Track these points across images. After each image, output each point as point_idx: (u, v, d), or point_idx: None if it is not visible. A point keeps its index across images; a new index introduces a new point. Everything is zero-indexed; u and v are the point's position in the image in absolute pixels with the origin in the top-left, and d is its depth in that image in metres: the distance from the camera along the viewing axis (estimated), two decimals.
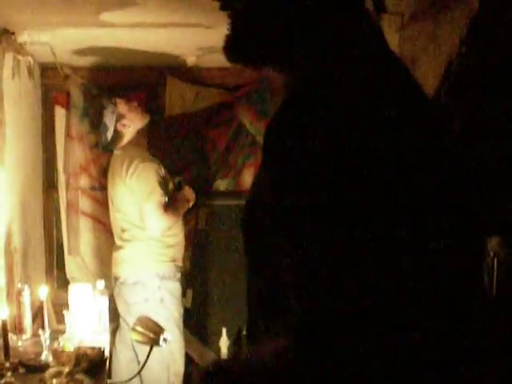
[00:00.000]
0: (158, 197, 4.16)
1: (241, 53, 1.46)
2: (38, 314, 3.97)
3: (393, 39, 3.45)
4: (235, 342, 4.95)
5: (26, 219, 4.41)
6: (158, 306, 4.20)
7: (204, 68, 5.10)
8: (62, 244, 5.29)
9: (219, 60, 4.75)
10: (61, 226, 5.27)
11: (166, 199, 4.20)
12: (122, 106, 4.54)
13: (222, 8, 1.46)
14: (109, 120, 4.88)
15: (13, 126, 4.08)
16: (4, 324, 3.05)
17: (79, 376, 2.84)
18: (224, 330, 4.73)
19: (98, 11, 3.59)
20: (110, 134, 4.94)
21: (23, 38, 4.02)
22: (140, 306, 4.15)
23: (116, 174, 4.31)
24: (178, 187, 4.42)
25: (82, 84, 5.08)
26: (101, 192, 5.15)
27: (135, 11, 3.59)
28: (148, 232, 4.20)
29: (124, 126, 4.45)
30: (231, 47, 1.46)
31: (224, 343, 4.72)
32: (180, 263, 4.38)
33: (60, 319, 3.63)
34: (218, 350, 4.80)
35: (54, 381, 2.80)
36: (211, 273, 5.20)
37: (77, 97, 5.09)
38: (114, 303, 4.25)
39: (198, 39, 4.24)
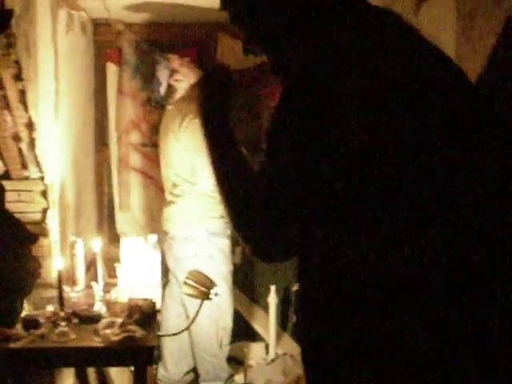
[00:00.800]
0: None
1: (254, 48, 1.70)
2: (90, 266, 4.04)
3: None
4: (283, 299, 4.98)
5: (78, 174, 4.47)
6: (207, 262, 4.21)
7: None
8: (113, 200, 5.36)
9: None
10: (111, 183, 5.33)
11: None
12: (174, 61, 4.53)
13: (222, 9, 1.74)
14: (162, 75, 4.91)
15: (66, 81, 4.12)
16: (59, 274, 3.10)
17: (132, 327, 2.87)
18: (273, 288, 4.75)
19: None
20: (162, 89, 4.97)
21: None
22: (189, 261, 4.18)
23: (169, 129, 4.32)
24: None
25: (134, 40, 5.09)
26: (151, 148, 5.19)
27: None
28: (199, 187, 4.21)
29: (177, 80, 4.44)
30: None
31: (272, 300, 4.75)
32: None
33: (111, 273, 3.68)
34: (266, 306, 4.83)
35: (108, 331, 2.84)
36: None
37: (129, 53, 5.10)
38: (164, 258, 4.30)
39: None
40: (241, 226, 1.58)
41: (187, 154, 4.20)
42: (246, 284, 5.09)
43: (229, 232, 4.37)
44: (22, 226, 2.35)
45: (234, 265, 4.56)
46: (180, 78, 4.41)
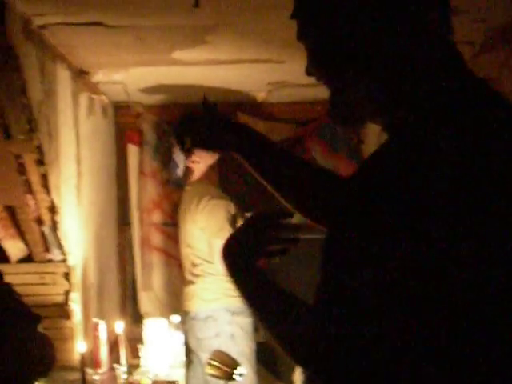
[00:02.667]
0: (228, 234, 4.14)
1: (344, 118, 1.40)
2: (113, 348, 4.02)
3: None
4: (309, 377, 4.91)
5: (100, 255, 4.49)
6: (228, 342, 4.17)
7: (274, 103, 5.14)
8: (135, 279, 5.36)
9: (289, 95, 4.86)
10: (134, 262, 5.34)
11: None
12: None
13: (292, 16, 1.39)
14: (178, 157, 4.95)
15: (88, 163, 4.17)
16: (82, 358, 3.09)
17: None
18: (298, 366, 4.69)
19: (170, 50, 3.67)
20: (180, 171, 5.01)
21: (98, 77, 4.12)
22: (211, 341, 4.14)
23: (186, 210, 4.34)
24: None
25: (153, 121, 5.17)
26: (173, 227, 5.21)
27: (206, 49, 3.66)
28: (217, 268, 4.21)
29: (193, 162, 4.48)
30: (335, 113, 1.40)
31: (298, 378, 4.68)
32: None
33: (134, 354, 3.66)
34: (291, 382, 4.76)
35: None
36: None
37: (149, 134, 5.18)
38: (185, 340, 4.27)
39: (268, 75, 4.29)
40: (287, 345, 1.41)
41: (204, 235, 4.22)
42: (270, 361, 5.02)
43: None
44: (24, 305, 2.33)
45: (259, 343, 4.51)
46: (197, 159, 4.45)
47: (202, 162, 4.43)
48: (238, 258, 1.64)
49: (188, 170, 4.55)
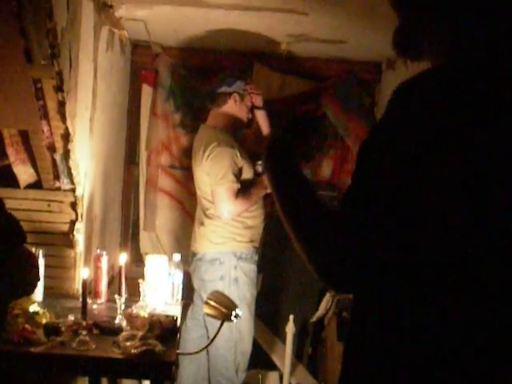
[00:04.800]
0: (229, 183, 4.18)
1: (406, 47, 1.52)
2: (111, 281, 4.07)
3: None
4: (301, 330, 4.97)
5: (106, 190, 4.52)
6: (231, 285, 4.26)
7: (292, 56, 5.12)
8: (138, 219, 5.40)
9: (308, 49, 4.85)
10: (138, 202, 5.37)
11: (239, 186, 4.22)
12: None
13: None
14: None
15: (103, 98, 4.18)
16: (84, 283, 3.13)
17: (152, 341, 2.89)
18: (291, 317, 4.75)
19: None
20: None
21: (120, 12, 4.10)
22: (215, 283, 4.21)
23: (196, 154, 4.36)
24: (261, 171, 4.42)
25: (170, 63, 5.16)
26: (180, 171, 5.24)
27: None
28: (217, 215, 4.25)
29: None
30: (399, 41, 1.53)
31: (290, 329, 4.74)
32: (257, 245, 4.42)
33: (131, 291, 3.69)
34: (284, 336, 4.83)
35: (128, 343, 2.86)
36: (282, 260, 5.24)
37: (165, 76, 5.17)
38: (188, 280, 4.33)
39: (290, 26, 4.27)
40: (311, 252, 1.53)
41: (209, 181, 4.25)
42: (265, 313, 5.09)
43: (256, 258, 4.40)
44: (14, 221, 2.31)
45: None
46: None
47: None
48: (284, 156, 1.70)
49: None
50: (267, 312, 5.15)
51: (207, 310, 3.22)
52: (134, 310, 3.28)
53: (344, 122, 5.16)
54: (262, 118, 4.60)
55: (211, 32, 4.60)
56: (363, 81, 5.22)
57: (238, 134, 4.48)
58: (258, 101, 4.54)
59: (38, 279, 2.68)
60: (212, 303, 3.19)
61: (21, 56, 2.97)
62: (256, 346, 4.76)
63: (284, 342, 4.88)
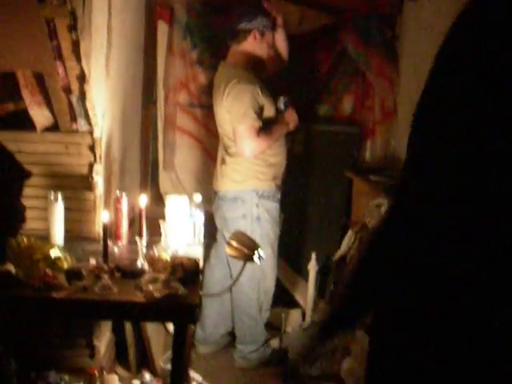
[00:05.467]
0: (251, 121, 4.11)
1: None
2: (132, 223, 4.04)
3: None
4: (323, 268, 4.95)
5: (124, 130, 4.46)
6: (254, 224, 4.23)
7: None
8: (157, 159, 5.35)
9: None
10: (157, 142, 5.32)
11: (260, 123, 4.15)
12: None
13: None
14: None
15: (118, 35, 4.09)
16: (105, 227, 3.10)
17: (174, 284, 2.86)
18: (313, 255, 4.72)
19: None
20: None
21: None
22: (237, 221, 4.19)
23: (216, 92, 4.29)
24: (284, 108, 4.34)
25: (186, 0, 5.04)
26: (199, 109, 5.16)
27: None
28: (239, 153, 4.19)
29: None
30: None
31: (312, 268, 4.73)
32: (279, 183, 4.37)
33: (152, 231, 3.66)
34: (307, 275, 4.81)
35: (150, 286, 2.84)
36: (304, 198, 5.19)
37: (180, 13, 5.05)
38: (211, 218, 4.29)
39: None
40: None
41: (230, 118, 4.18)
42: (287, 252, 5.06)
43: (278, 196, 4.35)
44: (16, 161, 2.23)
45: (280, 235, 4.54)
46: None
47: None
48: None
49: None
50: (289, 251, 5.12)
51: (229, 250, 3.17)
52: (156, 251, 3.24)
53: (364, 56, 5.05)
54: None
55: None
56: (384, 14, 5.07)
57: (259, 73, 4.36)
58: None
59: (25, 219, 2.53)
60: (234, 244, 3.15)
61: None
62: (279, 284, 4.75)
63: (306, 280, 4.86)
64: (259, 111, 4.18)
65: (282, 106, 4.30)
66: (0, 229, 2.17)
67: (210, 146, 4.99)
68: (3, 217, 2.14)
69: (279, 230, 4.49)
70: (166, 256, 3.15)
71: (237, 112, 4.13)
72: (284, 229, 4.66)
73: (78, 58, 3.24)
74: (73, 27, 3.10)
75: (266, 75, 4.44)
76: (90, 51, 3.40)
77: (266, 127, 4.19)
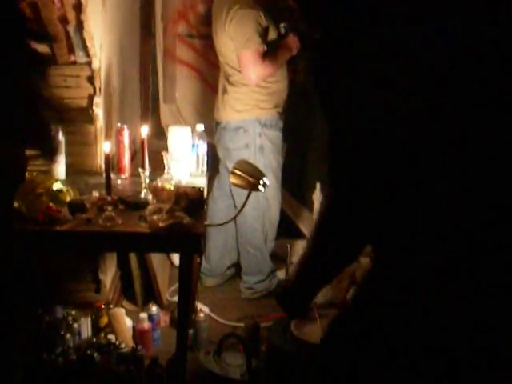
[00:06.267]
0: (256, 45, 4.04)
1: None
2: (134, 156, 4.00)
3: None
4: (326, 196, 4.92)
5: (123, 63, 4.38)
6: (257, 153, 4.19)
7: None
8: (157, 92, 5.28)
9: None
10: (156, 74, 5.24)
11: (265, 47, 4.09)
12: None
13: None
14: None
15: None
16: (107, 158, 3.05)
17: (179, 213, 2.84)
18: (318, 185, 4.69)
19: None
20: None
21: None
22: (240, 151, 4.15)
23: (217, 19, 4.19)
24: (285, 33, 4.25)
25: None
26: (198, 40, 5.08)
27: None
28: (244, 80, 4.13)
29: None
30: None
31: (317, 198, 4.70)
32: (281, 110, 4.31)
33: (154, 165, 3.62)
34: (311, 203, 4.79)
35: (155, 217, 2.81)
36: (306, 126, 5.13)
37: None
38: (213, 150, 4.25)
39: None
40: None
41: (234, 45, 4.10)
42: (290, 182, 5.03)
43: (281, 124, 4.30)
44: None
45: (283, 165, 4.50)
46: None
47: None
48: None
49: None
50: (293, 181, 5.09)
51: (234, 179, 3.13)
52: (159, 183, 3.21)
53: None
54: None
55: None
56: None
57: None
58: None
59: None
60: (238, 173, 3.10)
61: None
62: (283, 215, 4.73)
63: (311, 210, 4.84)
64: (263, 35, 4.10)
65: (283, 31, 4.21)
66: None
67: (211, 78, 4.93)
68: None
69: (282, 159, 4.44)
70: (170, 186, 3.12)
71: (241, 37, 4.05)
72: (287, 159, 4.62)
73: None
74: None
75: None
76: None
77: (269, 52, 4.12)
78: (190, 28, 5.09)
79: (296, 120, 4.95)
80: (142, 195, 3.18)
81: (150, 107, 5.33)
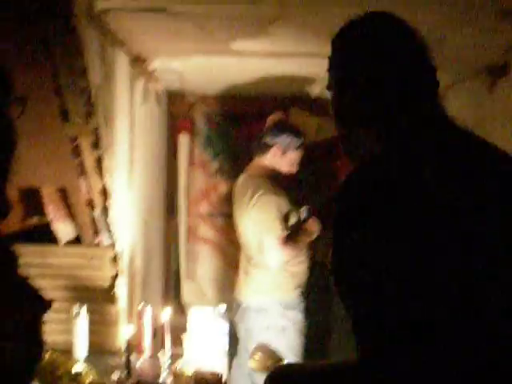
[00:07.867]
0: (278, 231, 4.12)
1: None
2: (156, 333, 4.01)
3: None
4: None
5: (147, 242, 4.48)
6: (279, 335, 4.16)
7: (328, 99, 5.07)
8: (179, 269, 5.36)
9: None
10: (178, 252, 5.34)
11: (286, 233, 4.16)
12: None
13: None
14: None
15: (140, 150, 4.17)
16: (128, 343, 3.08)
17: None
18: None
19: (230, 39, 3.64)
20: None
21: (154, 64, 4.11)
22: (261, 332, 4.13)
23: (240, 202, 4.29)
24: (306, 217, 4.34)
25: (206, 112, 5.16)
26: (220, 219, 5.20)
27: (266, 40, 3.62)
28: (266, 264, 4.19)
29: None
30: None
31: None
32: (304, 290, 4.34)
33: (173, 341, 3.63)
34: None
35: None
36: (326, 305, 5.13)
37: (201, 124, 5.17)
38: (233, 329, 4.25)
39: (324, 69, 4.23)
40: None
41: (256, 229, 4.19)
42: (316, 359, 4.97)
43: (303, 305, 4.31)
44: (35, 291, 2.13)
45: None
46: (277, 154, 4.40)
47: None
48: None
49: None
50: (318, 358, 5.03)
51: (253, 364, 3.14)
52: (179, 366, 3.21)
53: None
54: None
55: (246, 79, 4.59)
56: None
57: (281, 183, 4.36)
58: None
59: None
60: (257, 357, 3.12)
61: (57, 115, 2.97)
62: None
63: None
64: (284, 221, 4.19)
65: (305, 214, 4.31)
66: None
67: (232, 255, 4.99)
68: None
69: (305, 338, 4.42)
70: (189, 372, 3.11)
71: (264, 223, 4.14)
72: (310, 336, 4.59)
73: (101, 175, 3.29)
74: (96, 145, 3.17)
75: (286, 184, 4.47)
76: (113, 167, 3.46)
77: (291, 236, 4.19)
78: (212, 207, 5.23)
79: (315, 297, 4.96)
80: (161, 379, 3.17)
81: (171, 285, 5.38)
